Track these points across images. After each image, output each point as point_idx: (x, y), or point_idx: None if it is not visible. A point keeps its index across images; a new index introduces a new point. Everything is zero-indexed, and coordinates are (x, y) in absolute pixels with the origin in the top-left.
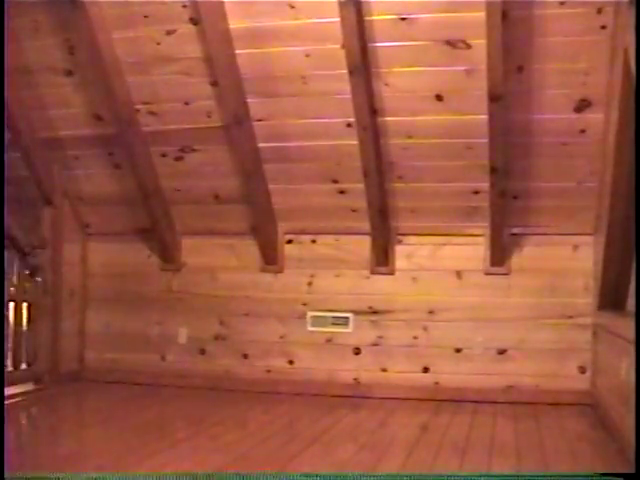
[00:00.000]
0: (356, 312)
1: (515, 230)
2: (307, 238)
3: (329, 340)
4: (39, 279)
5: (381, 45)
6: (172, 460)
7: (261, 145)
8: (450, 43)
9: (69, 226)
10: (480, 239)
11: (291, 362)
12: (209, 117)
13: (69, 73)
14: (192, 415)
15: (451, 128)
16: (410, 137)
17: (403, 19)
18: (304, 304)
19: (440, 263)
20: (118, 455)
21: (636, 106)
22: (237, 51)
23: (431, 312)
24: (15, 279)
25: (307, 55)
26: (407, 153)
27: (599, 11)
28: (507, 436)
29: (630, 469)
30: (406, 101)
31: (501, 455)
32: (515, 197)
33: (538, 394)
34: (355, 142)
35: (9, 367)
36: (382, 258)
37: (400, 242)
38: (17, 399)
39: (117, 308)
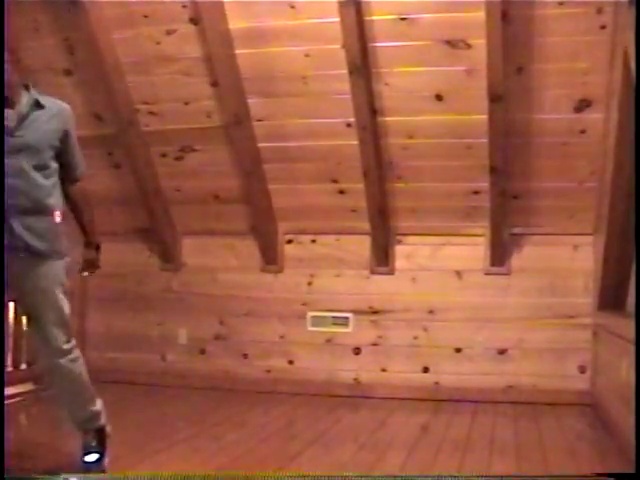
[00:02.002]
0: (356, 312)
1: (515, 230)
2: (307, 238)
3: (329, 340)
4: None
5: (381, 45)
6: (172, 460)
7: (261, 145)
8: (450, 43)
9: (69, 226)
10: (480, 239)
11: (291, 362)
12: (209, 117)
13: (69, 73)
14: (192, 415)
15: (451, 128)
16: (410, 137)
17: (403, 19)
18: (304, 304)
19: (440, 263)
20: (118, 455)
21: (636, 106)
22: (237, 51)
23: (431, 312)
24: None
25: (307, 55)
26: (407, 153)
27: (599, 11)
28: (507, 436)
29: (630, 469)
30: (406, 101)
31: (501, 455)
32: (515, 197)
33: (538, 394)
34: (355, 142)
35: (9, 367)
36: (382, 258)
37: (400, 242)
38: (17, 399)
39: (117, 308)
